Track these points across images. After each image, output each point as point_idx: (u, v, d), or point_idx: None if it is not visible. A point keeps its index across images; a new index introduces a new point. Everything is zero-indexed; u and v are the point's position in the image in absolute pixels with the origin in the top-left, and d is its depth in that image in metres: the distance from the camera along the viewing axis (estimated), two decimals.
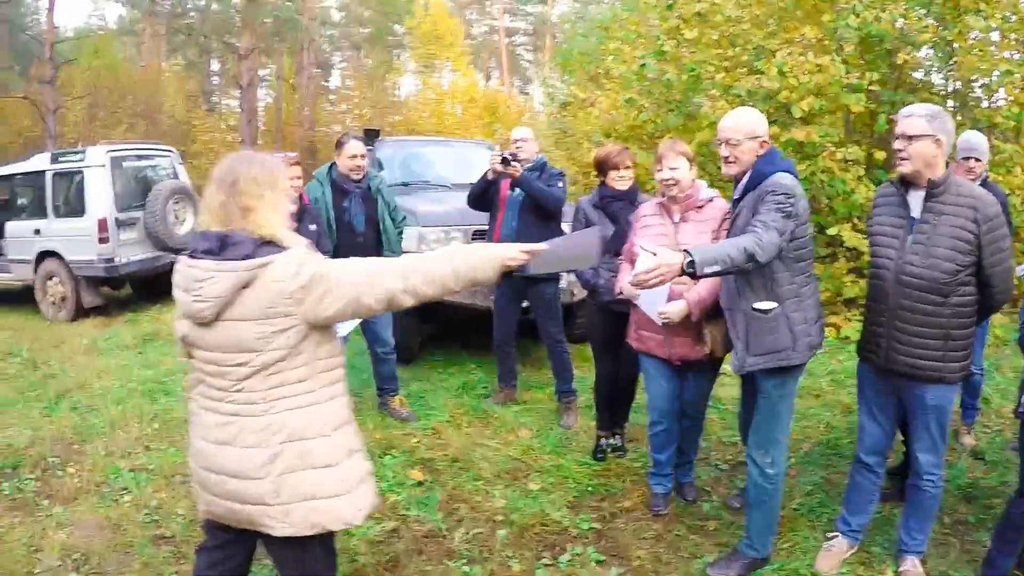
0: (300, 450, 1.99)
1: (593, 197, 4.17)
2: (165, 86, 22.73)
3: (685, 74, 6.58)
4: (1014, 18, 6.03)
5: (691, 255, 2.50)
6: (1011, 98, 6.21)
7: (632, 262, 3.50)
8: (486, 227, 5.07)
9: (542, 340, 5.07)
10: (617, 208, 4.03)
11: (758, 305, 2.83)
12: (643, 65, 7.46)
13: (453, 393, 5.39)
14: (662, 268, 2.50)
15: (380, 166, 7.03)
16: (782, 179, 2.76)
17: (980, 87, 6.85)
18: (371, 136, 7.16)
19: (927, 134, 2.69)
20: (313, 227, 4.34)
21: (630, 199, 4.03)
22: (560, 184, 4.78)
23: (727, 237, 2.97)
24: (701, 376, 3.57)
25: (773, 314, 2.83)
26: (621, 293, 3.51)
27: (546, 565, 3.16)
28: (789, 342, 2.87)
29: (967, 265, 2.72)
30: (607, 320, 4.08)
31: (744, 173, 2.88)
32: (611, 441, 4.31)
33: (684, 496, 3.77)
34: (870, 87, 6.18)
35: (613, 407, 4.30)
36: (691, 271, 2.49)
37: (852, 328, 6.27)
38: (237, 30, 17.76)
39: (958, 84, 6.91)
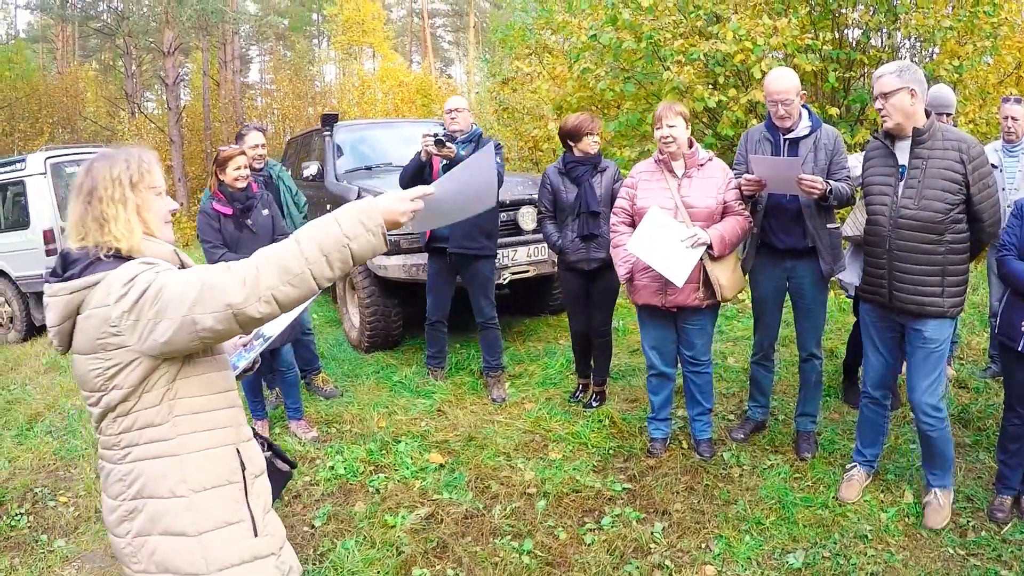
0: (152, 511, 1.66)
1: (559, 164, 4.45)
2: (83, 92, 21.65)
3: (644, 41, 6.64)
4: None
5: (829, 185, 3.29)
6: (948, 51, 6.56)
7: (631, 219, 3.66)
8: None
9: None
10: (581, 172, 4.33)
11: (831, 225, 3.56)
12: (593, 36, 7.50)
13: (446, 374, 5.34)
14: (820, 183, 3.22)
15: (339, 151, 6.93)
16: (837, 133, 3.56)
17: (920, 43, 7.18)
18: (329, 121, 7.02)
19: (900, 87, 2.94)
20: (266, 212, 4.28)
21: (594, 163, 4.35)
22: (497, 158, 4.70)
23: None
24: (700, 322, 3.70)
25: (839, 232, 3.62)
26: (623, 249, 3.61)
27: (591, 529, 3.20)
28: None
29: (957, 204, 2.94)
30: (574, 279, 4.45)
31: (795, 121, 3.49)
32: (590, 389, 4.71)
33: (701, 454, 3.80)
34: (822, 47, 6.39)
35: (587, 357, 4.72)
36: (827, 193, 3.29)
37: None
38: (155, 28, 17.02)
39: (898, 41, 7.21)
